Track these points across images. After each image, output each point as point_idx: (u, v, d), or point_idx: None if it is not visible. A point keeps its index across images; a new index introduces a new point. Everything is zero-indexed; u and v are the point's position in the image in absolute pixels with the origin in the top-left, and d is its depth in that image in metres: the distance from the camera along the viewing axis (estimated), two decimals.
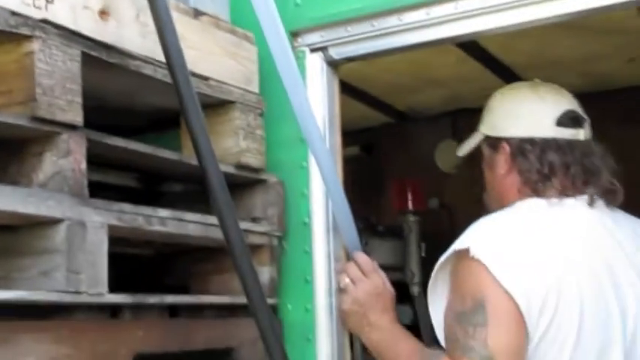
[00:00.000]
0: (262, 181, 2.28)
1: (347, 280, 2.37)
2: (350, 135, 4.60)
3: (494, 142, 2.52)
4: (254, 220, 2.26)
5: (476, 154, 2.64)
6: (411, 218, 3.76)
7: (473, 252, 2.14)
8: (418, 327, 3.76)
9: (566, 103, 2.54)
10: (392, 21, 2.35)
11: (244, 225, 2.14)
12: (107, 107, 2.17)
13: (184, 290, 2.31)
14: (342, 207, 2.29)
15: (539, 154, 2.43)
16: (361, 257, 2.44)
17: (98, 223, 1.80)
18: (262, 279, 2.15)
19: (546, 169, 2.41)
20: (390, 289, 2.52)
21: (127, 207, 1.89)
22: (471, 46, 3.67)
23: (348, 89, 4.08)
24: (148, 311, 1.95)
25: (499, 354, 2.10)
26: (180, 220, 2.00)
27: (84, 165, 1.80)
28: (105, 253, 1.83)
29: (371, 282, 2.37)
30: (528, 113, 2.51)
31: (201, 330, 2.07)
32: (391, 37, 2.34)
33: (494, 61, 3.93)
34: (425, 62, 3.85)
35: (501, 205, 2.47)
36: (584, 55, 3.80)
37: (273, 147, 2.36)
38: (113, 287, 1.88)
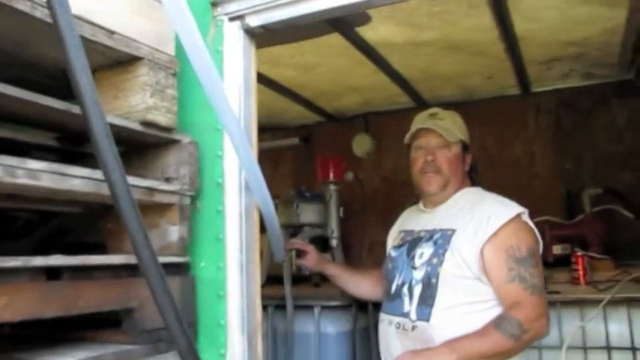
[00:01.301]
0: (176, 142, 1.36)
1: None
2: (292, 129, 4.09)
3: (464, 147, 2.20)
4: (167, 180, 1.36)
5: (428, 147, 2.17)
6: (332, 187, 3.05)
7: (524, 218, 1.98)
8: None
9: None
10: None
11: (152, 183, 1.29)
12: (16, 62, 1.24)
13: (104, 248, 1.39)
14: (252, 168, 1.41)
15: (475, 163, 2.28)
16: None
17: None
18: (171, 237, 1.33)
19: (477, 170, 2.29)
20: None
21: None
22: (381, 60, 2.93)
23: (290, 94, 3.42)
24: (15, 275, 1.03)
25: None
26: (62, 174, 1.09)
27: None
28: None
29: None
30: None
31: (89, 292, 1.17)
32: (305, 4, 1.45)
33: (396, 74, 3.17)
34: (346, 73, 3.14)
35: (451, 184, 2.15)
36: (459, 72, 3.17)
37: (190, 109, 1.46)
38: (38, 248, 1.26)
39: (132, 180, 1.12)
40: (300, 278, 2.93)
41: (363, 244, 3.46)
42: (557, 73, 3.24)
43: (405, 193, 3.70)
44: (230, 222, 1.41)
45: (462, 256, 1.91)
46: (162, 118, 1.26)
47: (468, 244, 1.93)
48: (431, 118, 2.18)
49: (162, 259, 1.14)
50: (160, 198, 1.27)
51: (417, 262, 2.01)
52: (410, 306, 1.97)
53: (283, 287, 2.49)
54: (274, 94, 3.37)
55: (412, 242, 2.11)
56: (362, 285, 2.40)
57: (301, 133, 4.10)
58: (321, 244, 2.93)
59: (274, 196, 3.23)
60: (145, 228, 0.98)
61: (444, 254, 1.94)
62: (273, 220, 1.42)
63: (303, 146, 4.07)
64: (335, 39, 2.63)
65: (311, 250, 2.46)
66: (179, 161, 1.33)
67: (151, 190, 1.25)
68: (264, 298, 2.78)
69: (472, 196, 2.10)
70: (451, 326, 1.86)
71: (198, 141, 1.41)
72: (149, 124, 1.24)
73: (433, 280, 1.93)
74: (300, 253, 2.48)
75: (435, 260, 1.96)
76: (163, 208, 1.31)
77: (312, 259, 2.44)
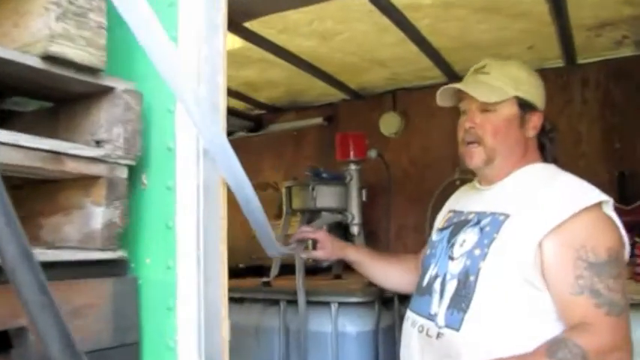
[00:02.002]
0: (108, 90, 0.92)
1: None
2: (316, 108, 3.76)
3: (526, 106, 1.65)
4: (98, 143, 0.93)
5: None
6: (353, 167, 2.65)
7: (607, 210, 1.48)
8: None
9: None
10: None
11: (58, 145, 0.87)
12: None
13: None
14: (214, 136, 0.94)
15: (551, 130, 1.74)
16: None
17: None
18: (94, 224, 0.91)
19: (554, 142, 1.74)
20: None
21: None
22: (408, 26, 2.53)
23: (311, 68, 3.04)
24: None
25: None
26: None
27: None
28: None
29: None
30: (545, 94, 1.72)
31: None
32: None
33: (425, 43, 2.75)
34: (370, 42, 2.74)
35: (502, 157, 1.64)
36: (496, 40, 2.73)
37: (131, 46, 0.95)
38: None
39: (25, 140, 0.78)
40: (318, 269, 2.59)
41: (389, 230, 3.08)
42: (607, 40, 2.81)
43: (434, 175, 3.41)
44: (183, 203, 0.95)
45: (513, 250, 1.45)
46: (77, 53, 0.85)
47: (523, 234, 1.46)
48: (474, 73, 1.72)
49: (80, 255, 0.80)
50: (74, 167, 0.88)
51: (457, 251, 1.59)
52: (439, 307, 1.54)
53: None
54: (294, 70, 3.04)
55: (457, 225, 1.68)
56: (391, 273, 1.99)
57: (325, 113, 3.74)
58: (341, 231, 2.58)
59: (294, 178, 2.95)
60: (9, 203, 0.61)
61: (489, 245, 1.49)
62: (251, 202, 1.00)
63: (327, 126, 3.71)
64: (357, 1, 2.28)
65: (322, 237, 2.03)
66: (112, 117, 0.93)
67: (57, 155, 0.84)
68: (276, 291, 2.50)
69: (540, 174, 1.63)
70: (487, 342, 1.42)
71: (143, 90, 0.95)
72: (54, 59, 0.83)
73: (471, 278, 1.48)
74: (314, 243, 2.07)
75: (477, 252, 1.51)
76: (88, 182, 0.92)
77: (326, 249, 2.03)
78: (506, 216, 1.52)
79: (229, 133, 3.90)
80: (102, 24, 0.88)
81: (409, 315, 1.68)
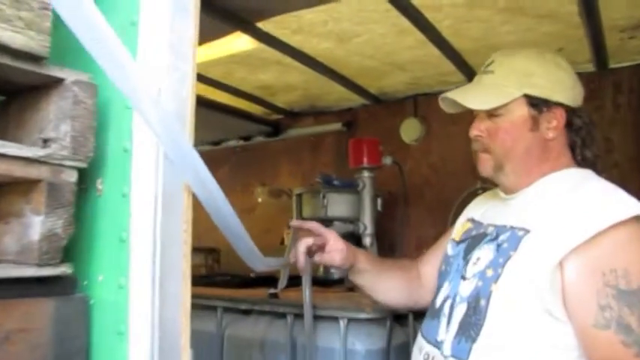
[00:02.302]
0: (57, 82, 0.78)
1: None
2: (335, 114, 3.64)
3: (539, 104, 1.39)
4: (46, 142, 0.78)
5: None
6: (366, 174, 2.44)
7: None
8: None
9: None
10: None
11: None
12: None
13: None
14: (168, 129, 0.77)
15: (583, 127, 1.43)
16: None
17: None
18: (31, 235, 0.77)
19: (588, 141, 1.44)
20: None
21: None
22: (428, 27, 2.40)
23: (328, 71, 2.90)
24: None
25: None
26: None
27: None
28: None
29: None
30: (574, 83, 1.44)
31: None
32: None
33: (447, 45, 2.61)
34: (388, 44, 2.61)
35: (522, 162, 1.40)
36: (522, 42, 2.54)
37: None
38: None
39: None
40: (329, 281, 2.44)
41: (403, 241, 2.92)
42: None
43: (456, 184, 3.24)
44: (138, 212, 0.80)
45: (529, 272, 1.23)
46: (13, 36, 0.72)
47: (542, 253, 1.23)
48: (480, 74, 1.50)
49: (13, 272, 0.67)
50: (5, 169, 0.73)
51: (470, 270, 1.37)
52: (446, 333, 1.33)
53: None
54: (311, 73, 2.92)
55: (474, 240, 1.46)
56: (391, 287, 1.67)
57: (344, 118, 3.60)
58: (354, 242, 2.43)
59: (311, 185, 2.82)
60: None
61: (504, 265, 1.27)
62: (222, 210, 0.84)
63: (345, 132, 3.56)
64: (373, 0, 2.15)
65: (333, 238, 1.59)
66: (60, 113, 0.79)
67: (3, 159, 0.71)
68: (283, 304, 2.37)
69: (568, 181, 1.37)
70: None
71: (99, 83, 0.81)
72: None
73: (482, 302, 1.27)
74: (315, 248, 1.61)
75: (490, 272, 1.30)
76: (28, 187, 0.78)
77: (342, 251, 1.59)
78: (526, 231, 1.29)
79: (246, 138, 3.81)
80: (46, 4, 0.74)
81: (418, 339, 1.49)
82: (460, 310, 1.32)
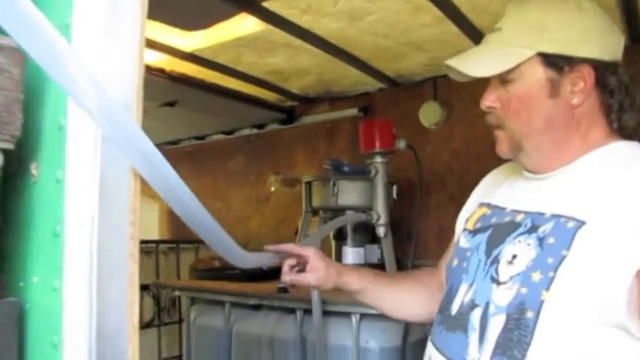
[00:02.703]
0: None
1: None
2: (351, 98, 3.48)
3: (558, 63, 1.08)
4: None
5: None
6: (379, 159, 2.29)
7: None
8: (384, 265, 2.36)
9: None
10: None
11: None
12: None
13: None
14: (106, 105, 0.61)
15: (619, 86, 1.10)
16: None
17: None
18: None
19: (627, 104, 1.10)
20: None
21: None
22: (445, 2, 2.24)
23: (341, 53, 2.74)
24: None
25: None
26: None
27: None
28: None
29: None
30: (604, 31, 1.10)
31: None
32: None
33: (466, 22, 2.42)
34: (404, 23, 2.44)
35: (546, 138, 1.11)
36: None
37: None
38: None
39: None
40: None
41: (429, 232, 2.75)
42: None
43: (480, 170, 3.04)
44: (73, 201, 0.64)
45: (596, 279, 0.96)
46: None
47: (610, 254, 0.96)
48: (488, 34, 1.20)
49: None
50: None
51: (504, 271, 1.06)
52: (479, 352, 1.04)
53: None
54: (324, 56, 2.77)
55: (498, 230, 1.15)
56: (406, 302, 1.43)
57: (360, 103, 3.44)
58: (368, 232, 2.29)
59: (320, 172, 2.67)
60: None
61: (557, 267, 0.98)
62: (185, 202, 0.69)
63: (362, 117, 3.38)
64: None
65: (313, 255, 1.37)
66: None
67: None
68: (292, 299, 2.24)
69: (619, 159, 1.08)
70: None
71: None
72: None
73: (529, 315, 0.99)
74: (300, 267, 1.40)
75: (537, 276, 1.00)
76: None
77: (318, 271, 1.36)
78: (579, 223, 1.01)
79: (260, 126, 3.66)
80: None
81: (431, 351, 1.18)
82: (497, 323, 1.04)
